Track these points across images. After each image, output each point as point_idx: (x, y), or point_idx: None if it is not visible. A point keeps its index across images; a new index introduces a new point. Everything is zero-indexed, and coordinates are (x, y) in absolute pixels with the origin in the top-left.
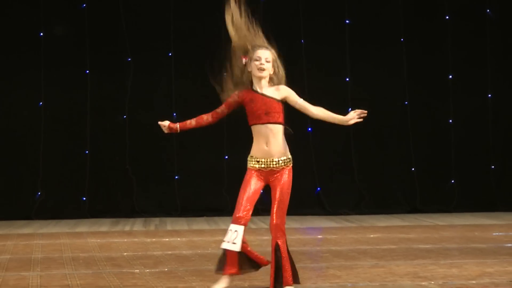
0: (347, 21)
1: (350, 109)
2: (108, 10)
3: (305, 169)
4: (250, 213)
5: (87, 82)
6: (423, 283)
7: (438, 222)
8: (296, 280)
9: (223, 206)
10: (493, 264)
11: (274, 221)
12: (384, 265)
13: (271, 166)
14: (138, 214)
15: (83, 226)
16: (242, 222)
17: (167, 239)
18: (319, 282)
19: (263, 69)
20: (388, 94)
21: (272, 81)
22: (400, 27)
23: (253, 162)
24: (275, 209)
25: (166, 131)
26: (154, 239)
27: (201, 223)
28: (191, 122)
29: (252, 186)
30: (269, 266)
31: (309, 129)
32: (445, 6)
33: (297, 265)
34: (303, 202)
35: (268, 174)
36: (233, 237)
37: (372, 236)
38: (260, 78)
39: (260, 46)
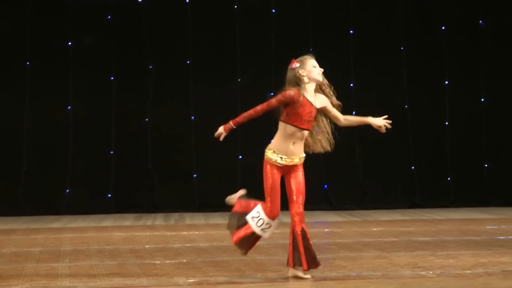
0: (351, 31)
1: (354, 112)
2: (131, 21)
3: (313, 168)
4: None
5: (112, 88)
6: (422, 273)
7: (436, 216)
8: (311, 265)
9: None
10: (487, 255)
11: (300, 209)
12: (386, 256)
13: (291, 163)
14: (159, 210)
15: (108, 221)
16: (276, 218)
17: (186, 233)
18: (326, 272)
19: (321, 74)
20: (389, 98)
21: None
22: (400, 37)
23: (276, 158)
24: (300, 200)
25: (225, 134)
26: (174, 233)
27: (217, 218)
28: (244, 115)
29: (277, 184)
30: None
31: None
32: (441, 18)
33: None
34: (312, 198)
35: (285, 168)
36: (266, 227)
37: (375, 229)
38: (316, 82)
39: (311, 57)
